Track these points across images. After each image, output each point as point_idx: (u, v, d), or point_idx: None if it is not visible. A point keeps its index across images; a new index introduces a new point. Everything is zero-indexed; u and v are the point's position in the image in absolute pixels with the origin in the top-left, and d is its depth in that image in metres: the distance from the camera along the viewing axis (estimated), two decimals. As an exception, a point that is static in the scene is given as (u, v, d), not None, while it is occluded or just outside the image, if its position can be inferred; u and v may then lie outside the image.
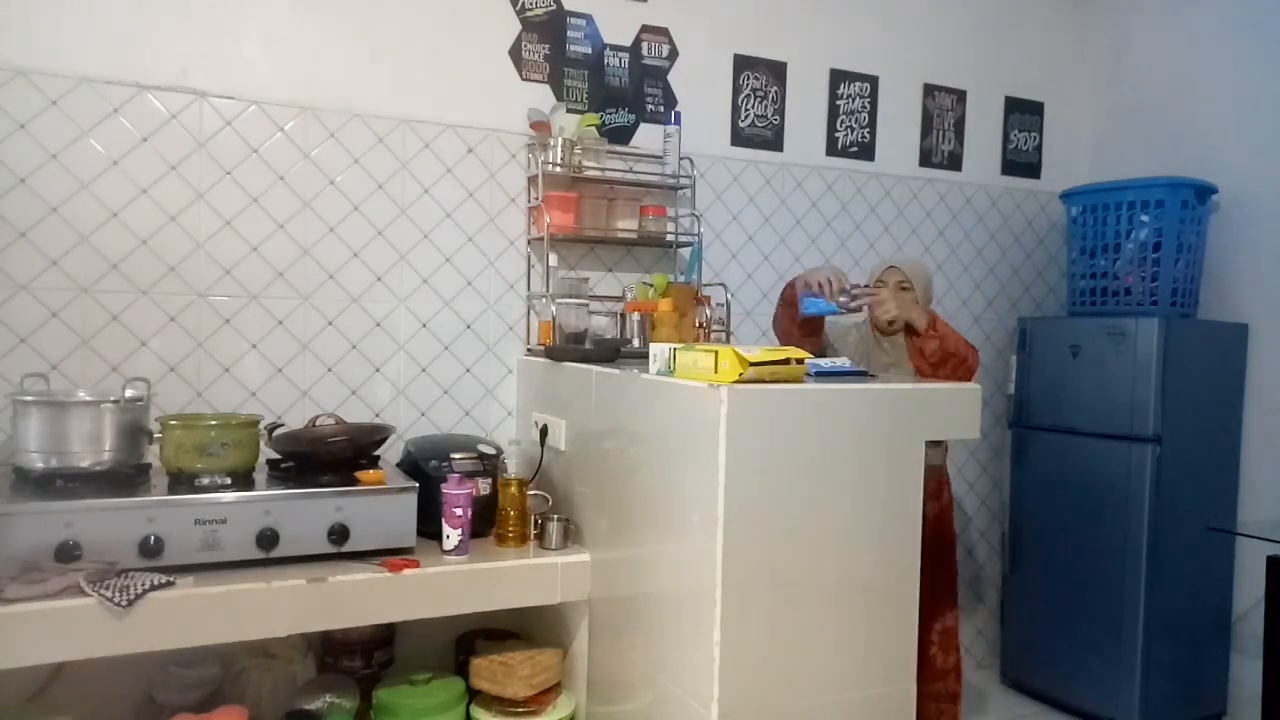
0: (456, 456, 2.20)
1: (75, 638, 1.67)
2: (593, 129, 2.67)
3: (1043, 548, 3.23)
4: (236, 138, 2.35)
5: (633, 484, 1.93)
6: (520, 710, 2.11)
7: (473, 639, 2.38)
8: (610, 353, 2.33)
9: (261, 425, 2.12)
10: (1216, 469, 3.07)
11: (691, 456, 1.68)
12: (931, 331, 2.35)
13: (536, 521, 2.17)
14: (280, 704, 2.11)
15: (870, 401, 1.76)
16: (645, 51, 2.86)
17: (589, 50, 2.78)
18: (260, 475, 2.08)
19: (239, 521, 1.87)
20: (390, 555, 1.99)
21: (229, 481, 1.95)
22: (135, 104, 2.25)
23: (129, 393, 1.96)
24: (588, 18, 2.77)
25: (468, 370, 2.64)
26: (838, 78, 3.18)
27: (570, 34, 2.75)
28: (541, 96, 2.70)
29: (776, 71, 3.07)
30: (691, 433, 1.68)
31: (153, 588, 1.71)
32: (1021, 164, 3.57)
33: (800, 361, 1.73)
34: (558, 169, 2.59)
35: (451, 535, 2.04)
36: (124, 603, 1.66)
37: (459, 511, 2.04)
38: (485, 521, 2.19)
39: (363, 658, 2.30)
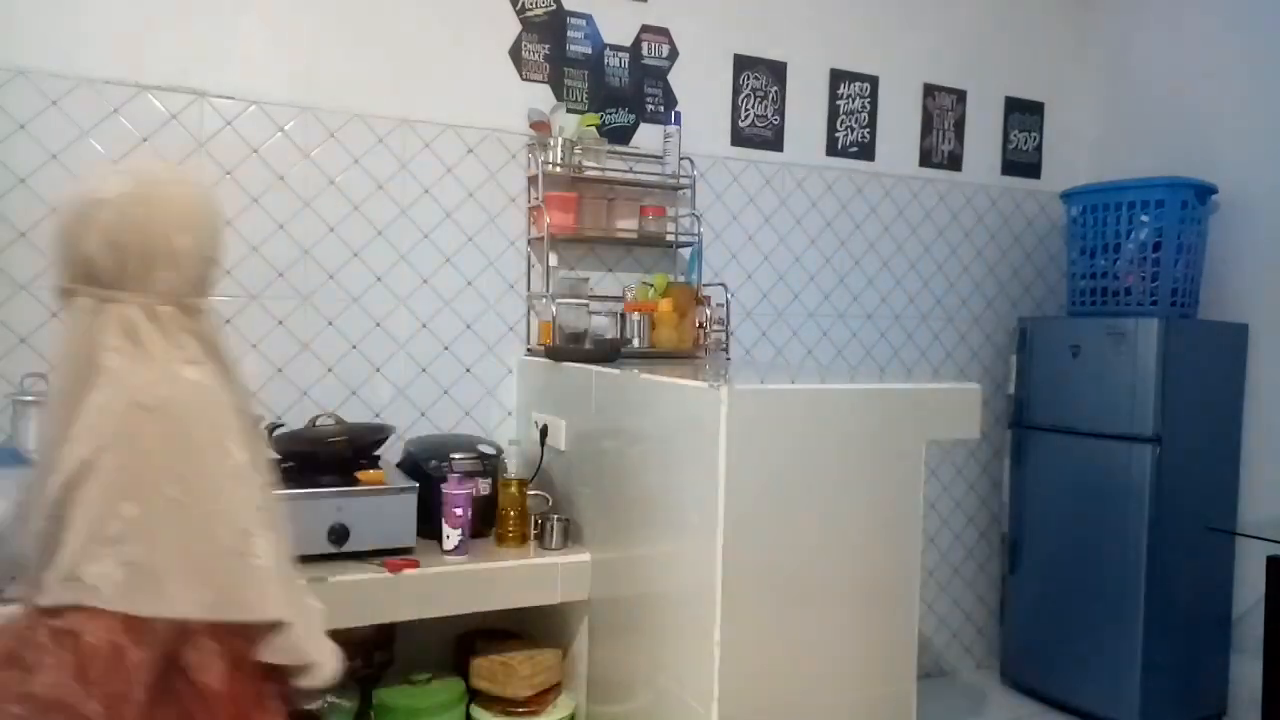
0: (456, 456, 2.20)
1: (75, 638, 1.67)
2: (593, 129, 2.67)
3: (1043, 548, 3.23)
4: (236, 138, 2.35)
5: (633, 484, 1.93)
6: (520, 710, 2.11)
7: (473, 639, 2.38)
8: (610, 353, 2.33)
9: (261, 425, 2.12)
10: (1216, 469, 3.07)
11: (691, 456, 1.68)
12: None
13: (536, 521, 2.17)
14: (280, 704, 2.11)
15: (870, 401, 1.76)
16: (645, 51, 2.86)
17: (589, 50, 2.78)
18: (260, 475, 2.08)
19: (239, 521, 1.87)
20: (390, 555, 1.98)
21: (229, 481, 1.95)
22: (135, 104, 2.25)
23: (129, 393, 1.96)
24: (588, 18, 2.77)
25: (468, 370, 2.64)
26: (838, 78, 3.18)
27: (570, 34, 2.74)
28: (541, 96, 2.70)
29: (776, 71, 3.07)
30: (691, 433, 1.68)
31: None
32: (1021, 164, 3.57)
33: None
34: (558, 169, 2.59)
35: (451, 535, 2.04)
36: None
37: (459, 511, 2.04)
38: (485, 521, 2.19)
39: (363, 658, 2.30)
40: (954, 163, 3.42)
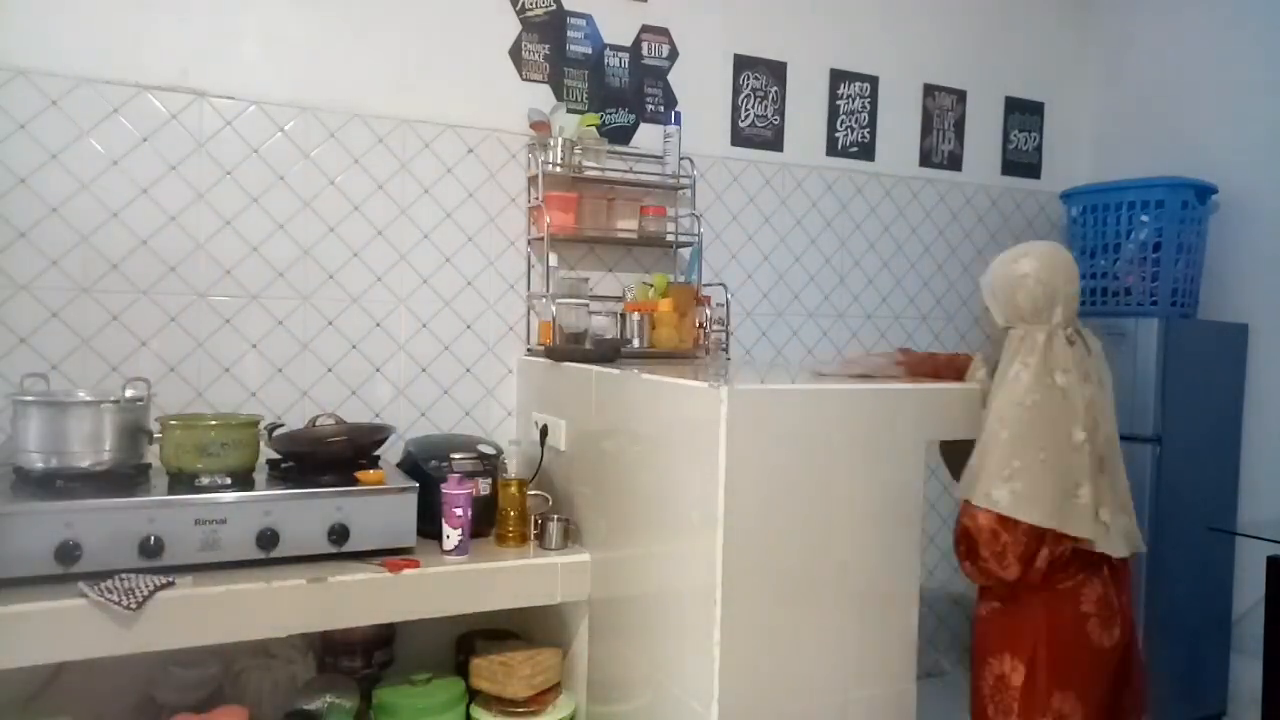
0: (456, 456, 2.20)
1: (75, 638, 1.67)
2: (593, 129, 2.67)
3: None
4: (236, 138, 2.35)
5: (633, 484, 1.93)
6: (520, 710, 2.11)
7: (473, 639, 2.38)
8: (610, 353, 2.33)
9: (261, 425, 2.12)
10: (1216, 469, 3.07)
11: (691, 456, 1.68)
12: None
13: (536, 521, 2.17)
14: (280, 704, 2.11)
15: (870, 401, 1.76)
16: (645, 51, 2.86)
17: (589, 50, 2.77)
18: (260, 475, 2.08)
19: (239, 521, 1.87)
20: (390, 555, 1.98)
21: (229, 481, 1.95)
22: (135, 104, 2.25)
23: (129, 393, 1.96)
24: (588, 18, 2.77)
25: (468, 370, 2.64)
26: (838, 78, 3.18)
27: (570, 34, 2.74)
28: (541, 96, 2.70)
29: (776, 71, 3.07)
30: (691, 433, 1.67)
31: (157, 589, 1.71)
32: (1021, 164, 3.57)
33: None
34: (558, 169, 2.59)
35: (451, 535, 2.04)
36: (133, 605, 1.66)
37: (459, 511, 2.04)
38: (485, 521, 2.19)
39: (363, 658, 2.30)
40: (954, 163, 3.42)
